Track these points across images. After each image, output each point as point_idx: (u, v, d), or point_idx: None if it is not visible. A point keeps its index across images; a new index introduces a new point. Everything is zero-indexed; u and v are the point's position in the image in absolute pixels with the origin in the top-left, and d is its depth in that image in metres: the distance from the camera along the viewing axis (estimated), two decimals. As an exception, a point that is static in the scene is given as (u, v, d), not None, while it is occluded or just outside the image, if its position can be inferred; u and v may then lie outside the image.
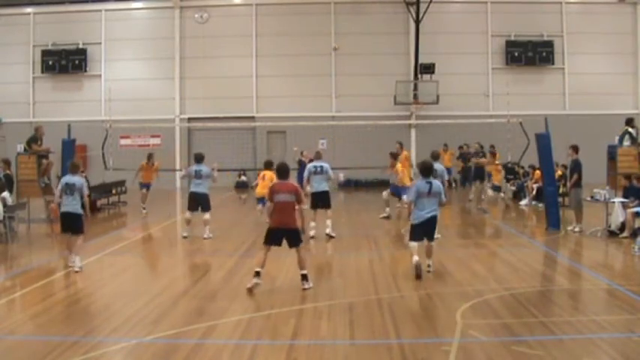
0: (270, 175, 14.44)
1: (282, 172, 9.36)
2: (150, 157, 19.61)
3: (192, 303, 8.54)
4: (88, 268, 11.13)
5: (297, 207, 8.98)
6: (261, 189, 14.63)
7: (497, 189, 20.59)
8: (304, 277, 9.06)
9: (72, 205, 10.62)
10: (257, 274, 8.87)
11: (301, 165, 19.51)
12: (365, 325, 7.38)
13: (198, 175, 14.11)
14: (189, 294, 9.11)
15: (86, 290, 9.41)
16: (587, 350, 6.42)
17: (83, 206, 10.71)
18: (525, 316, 7.63)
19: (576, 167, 14.38)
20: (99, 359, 6.37)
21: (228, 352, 6.51)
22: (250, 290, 8.78)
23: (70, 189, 10.62)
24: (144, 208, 18.80)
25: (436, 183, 9.98)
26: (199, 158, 14.49)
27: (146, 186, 19.20)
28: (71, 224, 10.70)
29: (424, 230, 9.90)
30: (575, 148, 14.53)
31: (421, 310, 8.15)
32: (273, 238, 9.02)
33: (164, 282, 10.14)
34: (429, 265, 10.01)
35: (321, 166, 13.61)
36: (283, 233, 8.98)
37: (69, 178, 10.77)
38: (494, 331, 7.10)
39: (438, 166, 12.37)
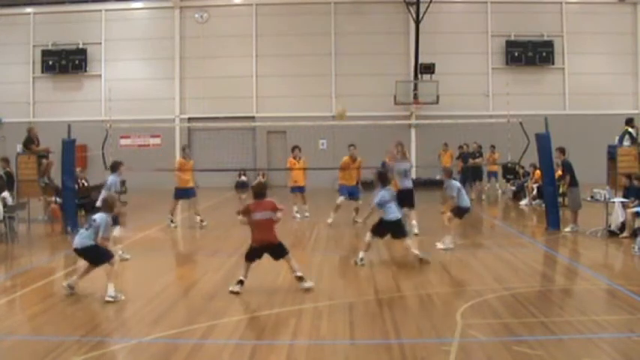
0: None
1: (258, 193, 9.02)
2: (184, 149, 16.77)
3: (192, 303, 8.54)
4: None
5: (275, 218, 8.82)
6: None
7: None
8: (300, 279, 8.92)
9: (81, 238, 8.88)
10: (240, 282, 8.77)
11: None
12: (365, 325, 7.38)
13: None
14: (189, 294, 9.11)
15: (86, 290, 9.39)
16: (587, 350, 6.42)
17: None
18: (525, 316, 7.62)
19: (567, 168, 14.45)
20: (99, 359, 6.37)
21: (228, 352, 6.51)
22: (233, 293, 8.72)
23: (88, 223, 9.00)
24: (172, 221, 15.90)
25: None
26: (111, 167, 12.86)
27: (188, 193, 15.43)
28: (87, 258, 8.98)
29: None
30: (561, 150, 14.72)
31: (421, 310, 8.13)
32: (254, 255, 8.95)
33: (164, 282, 10.14)
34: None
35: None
36: (265, 249, 8.94)
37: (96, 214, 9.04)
38: (494, 331, 7.10)
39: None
